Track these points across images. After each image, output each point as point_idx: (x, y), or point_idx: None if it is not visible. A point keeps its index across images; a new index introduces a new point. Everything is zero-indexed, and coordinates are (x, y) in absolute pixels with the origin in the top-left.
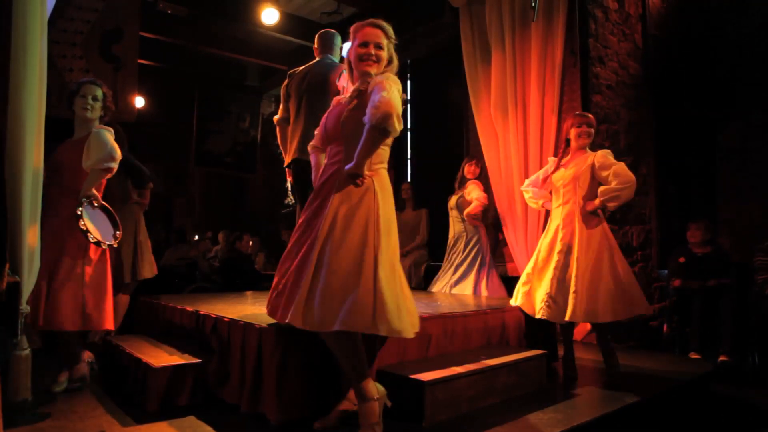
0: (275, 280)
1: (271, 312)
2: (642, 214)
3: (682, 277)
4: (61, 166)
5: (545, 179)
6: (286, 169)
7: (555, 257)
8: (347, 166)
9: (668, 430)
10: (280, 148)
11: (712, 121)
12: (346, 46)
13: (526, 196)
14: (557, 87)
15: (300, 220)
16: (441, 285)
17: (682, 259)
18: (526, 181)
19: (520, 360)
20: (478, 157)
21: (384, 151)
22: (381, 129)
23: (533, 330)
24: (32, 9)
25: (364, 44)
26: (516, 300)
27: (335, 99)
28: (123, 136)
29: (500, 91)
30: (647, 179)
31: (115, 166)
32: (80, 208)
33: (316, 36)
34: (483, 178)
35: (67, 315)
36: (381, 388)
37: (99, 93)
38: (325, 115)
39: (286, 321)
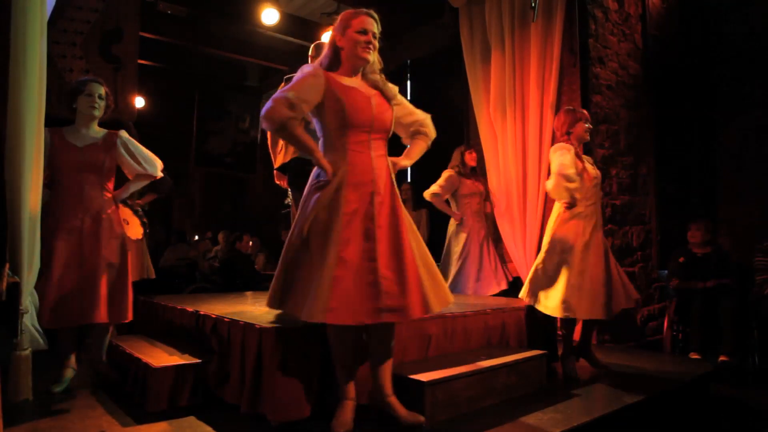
0: (342, 272)
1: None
2: (642, 215)
3: (682, 277)
4: (92, 166)
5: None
6: (276, 172)
7: (600, 257)
8: (403, 162)
9: (668, 430)
10: (270, 150)
11: (712, 121)
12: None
13: (574, 185)
14: (555, 87)
15: (352, 210)
16: (492, 287)
17: (681, 259)
18: (572, 170)
19: (520, 360)
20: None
21: None
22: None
23: (533, 330)
24: (32, 9)
25: (364, 32)
26: (561, 310)
27: (354, 88)
28: (135, 134)
29: (499, 91)
30: (647, 179)
31: (161, 174)
32: (136, 209)
33: (312, 46)
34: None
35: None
36: None
37: (102, 91)
38: (367, 102)
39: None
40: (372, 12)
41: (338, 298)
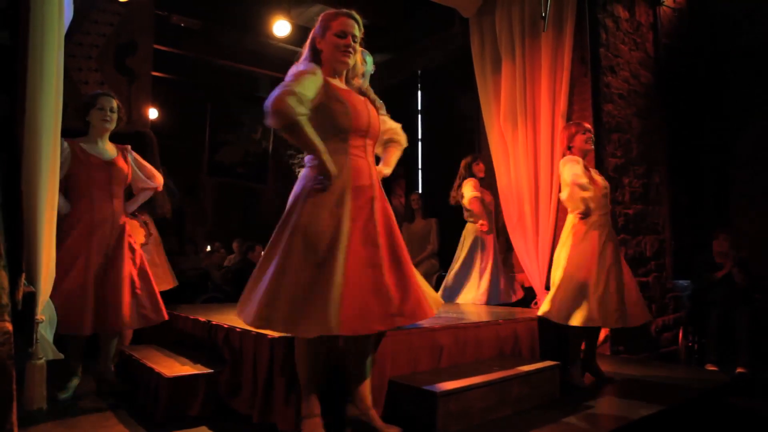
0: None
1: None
2: (655, 224)
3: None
4: (121, 178)
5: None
6: None
7: (616, 265)
8: (385, 170)
9: None
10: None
11: (725, 129)
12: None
13: (588, 194)
14: (567, 97)
15: (356, 216)
16: (472, 294)
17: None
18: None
19: (533, 371)
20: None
21: None
22: None
23: (546, 341)
24: (50, 22)
25: (343, 34)
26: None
27: (346, 91)
28: (153, 141)
29: (510, 102)
30: (660, 188)
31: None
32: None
33: None
34: (490, 186)
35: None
36: None
37: (114, 104)
38: (365, 106)
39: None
40: (353, 13)
41: (348, 308)
